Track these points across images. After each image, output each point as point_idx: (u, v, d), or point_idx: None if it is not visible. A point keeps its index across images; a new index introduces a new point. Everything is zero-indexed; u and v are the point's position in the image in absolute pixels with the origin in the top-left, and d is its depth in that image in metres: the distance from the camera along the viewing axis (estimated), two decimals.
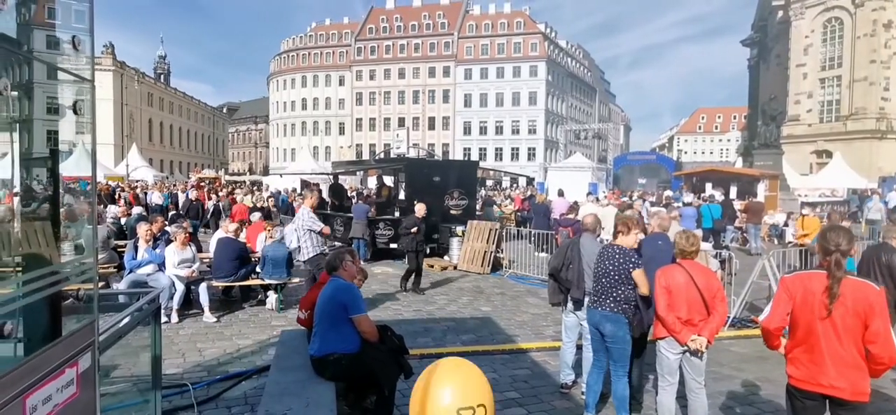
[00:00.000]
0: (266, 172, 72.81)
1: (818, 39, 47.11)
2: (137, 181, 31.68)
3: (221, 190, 25.25)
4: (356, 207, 13.43)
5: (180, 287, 7.44)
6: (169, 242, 7.97)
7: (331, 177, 18.77)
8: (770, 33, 56.76)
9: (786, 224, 18.01)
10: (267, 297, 8.29)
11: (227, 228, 8.70)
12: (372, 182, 23.63)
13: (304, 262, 8.15)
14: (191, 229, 8.83)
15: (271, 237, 8.46)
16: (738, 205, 18.14)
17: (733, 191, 21.70)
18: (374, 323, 4.35)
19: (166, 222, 9.93)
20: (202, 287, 7.59)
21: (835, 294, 2.90)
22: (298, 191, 24.48)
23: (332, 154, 73.29)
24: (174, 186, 28.53)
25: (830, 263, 2.96)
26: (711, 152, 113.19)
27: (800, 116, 47.57)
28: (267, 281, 8.11)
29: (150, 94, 67.69)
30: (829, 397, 2.98)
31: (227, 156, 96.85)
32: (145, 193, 22.62)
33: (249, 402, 4.86)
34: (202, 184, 28.08)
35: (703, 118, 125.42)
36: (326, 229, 8.25)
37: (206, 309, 7.49)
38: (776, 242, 17.16)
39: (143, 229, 7.73)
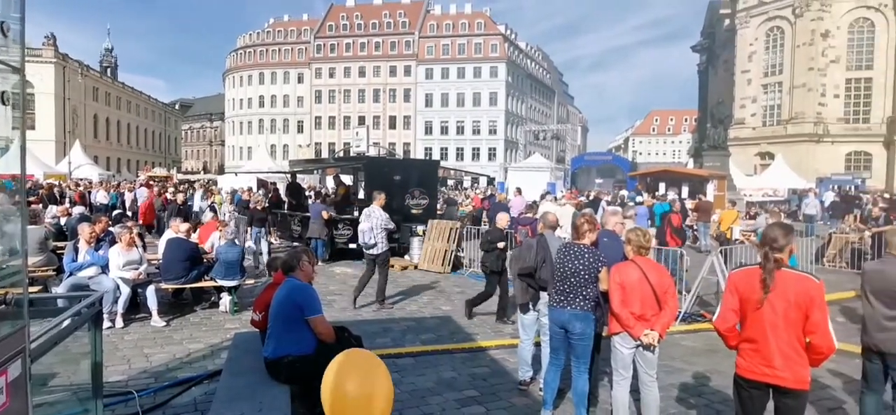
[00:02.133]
0: (221, 170, 70.65)
1: (761, 47, 49.50)
2: (81, 180, 30.13)
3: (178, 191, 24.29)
4: (313, 206, 13.19)
5: (126, 290, 7.10)
6: (113, 243, 7.59)
7: (288, 176, 18.36)
8: (718, 40, 59.26)
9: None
10: (220, 299, 8.03)
11: (177, 228, 8.36)
12: (331, 181, 23.29)
13: (376, 256, 8.24)
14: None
15: (224, 238, 8.19)
16: (689, 204, 18.81)
17: (685, 191, 22.51)
18: (332, 324, 4.26)
19: (110, 222, 9.46)
20: (150, 290, 7.27)
21: (767, 285, 3.05)
22: (255, 190, 23.86)
23: (290, 152, 71.84)
24: (119, 185, 27.27)
25: (763, 256, 3.12)
26: (664, 153, 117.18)
27: (745, 119, 49.85)
28: (220, 283, 7.84)
29: (96, 89, 64.54)
30: (774, 386, 3.11)
31: (179, 154, 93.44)
32: (89, 192, 21.52)
33: (199, 408, 4.68)
34: (152, 183, 26.97)
35: (656, 120, 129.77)
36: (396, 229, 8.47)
37: (154, 313, 7.18)
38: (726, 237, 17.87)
39: (85, 230, 7.33)
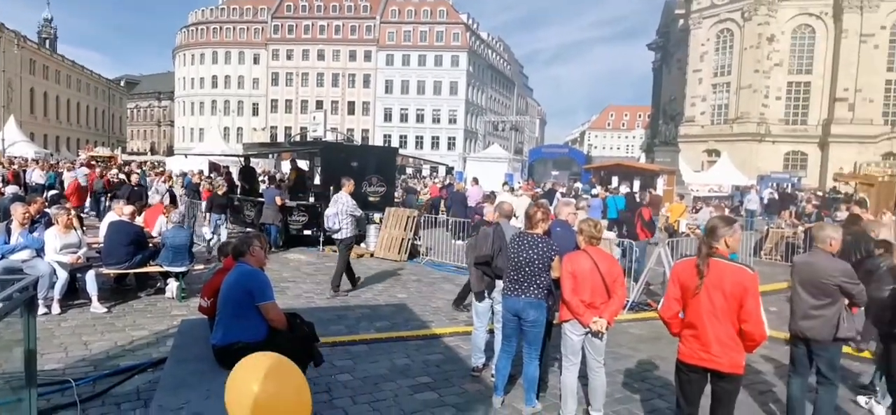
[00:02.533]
0: (170, 152, 67.82)
1: (712, 48, 51.48)
2: (16, 158, 28.28)
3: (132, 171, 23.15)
4: (267, 192, 12.87)
5: (63, 275, 6.74)
6: (50, 225, 7.19)
7: (242, 159, 17.82)
8: (672, 39, 61.21)
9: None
10: (166, 285, 7.74)
11: (120, 211, 7.99)
12: (286, 166, 22.76)
13: (340, 241, 8.44)
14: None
15: (171, 221, 7.89)
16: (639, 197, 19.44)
17: (636, 184, 23.25)
18: (284, 311, 4.19)
19: (47, 203, 8.94)
20: (89, 275, 6.93)
21: (701, 272, 3.22)
22: (206, 173, 23.07)
23: (245, 136, 69.68)
24: (57, 164, 25.78)
25: (700, 245, 3.30)
26: (619, 148, 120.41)
27: (695, 117, 51.84)
28: (166, 268, 7.56)
29: (33, 61, 60.53)
30: (711, 370, 3.29)
31: (124, 133, 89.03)
32: (24, 171, 20.23)
33: (143, 397, 4.51)
34: (94, 163, 25.61)
35: (612, 115, 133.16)
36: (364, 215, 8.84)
37: (94, 298, 6.86)
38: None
39: (18, 211, 6.89)
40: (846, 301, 3.99)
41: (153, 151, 77.51)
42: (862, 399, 4.98)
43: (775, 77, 48.45)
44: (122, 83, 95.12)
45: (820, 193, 26.91)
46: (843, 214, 10.62)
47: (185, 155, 32.93)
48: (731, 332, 3.20)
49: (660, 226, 16.10)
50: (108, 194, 15.97)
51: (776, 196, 25.17)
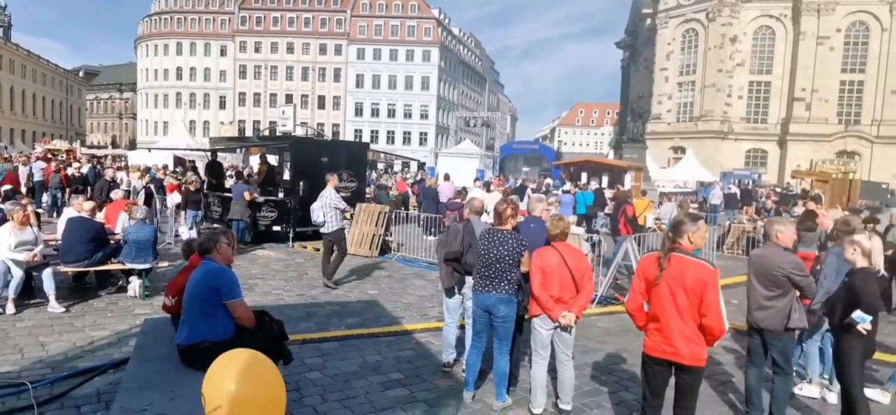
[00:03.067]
0: (133, 146, 65.70)
1: (678, 47, 52.75)
2: None
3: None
4: (235, 187, 12.61)
5: (18, 273, 6.47)
6: (4, 221, 6.89)
7: (208, 154, 17.38)
8: (640, 38, 62.42)
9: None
10: (129, 283, 7.51)
11: (79, 207, 7.70)
12: (254, 161, 22.31)
13: (326, 234, 8.63)
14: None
15: (133, 217, 7.65)
16: (608, 194, 19.81)
17: (605, 180, 23.68)
18: (252, 309, 4.12)
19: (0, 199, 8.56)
20: (46, 273, 6.67)
21: (661, 265, 3.32)
22: (171, 168, 22.43)
23: (211, 129, 68.09)
24: (11, 158, 24.65)
25: (664, 240, 3.39)
26: (588, 144, 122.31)
27: (661, 115, 53.05)
28: (129, 266, 7.33)
29: None
30: (674, 363, 3.39)
31: (84, 126, 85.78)
32: None
33: (104, 399, 4.38)
34: (51, 156, 24.61)
35: (581, 112, 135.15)
36: (349, 209, 9.17)
37: (52, 298, 6.60)
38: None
39: None
40: (798, 293, 4.16)
41: (115, 145, 74.82)
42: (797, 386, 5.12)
43: (738, 77, 50.00)
44: (81, 74, 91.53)
45: (779, 189, 27.96)
46: (799, 210, 11.03)
47: (149, 149, 31.90)
48: (693, 326, 3.30)
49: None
50: (67, 190, 15.40)
51: (737, 192, 26.01)
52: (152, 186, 13.87)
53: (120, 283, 7.69)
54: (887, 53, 46.15)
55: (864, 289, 3.87)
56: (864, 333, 3.94)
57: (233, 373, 2.07)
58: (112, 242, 7.77)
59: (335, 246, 8.72)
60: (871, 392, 4.73)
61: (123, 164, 27.17)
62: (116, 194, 9.93)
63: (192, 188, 12.07)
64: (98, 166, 21.19)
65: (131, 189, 11.88)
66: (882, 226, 9.45)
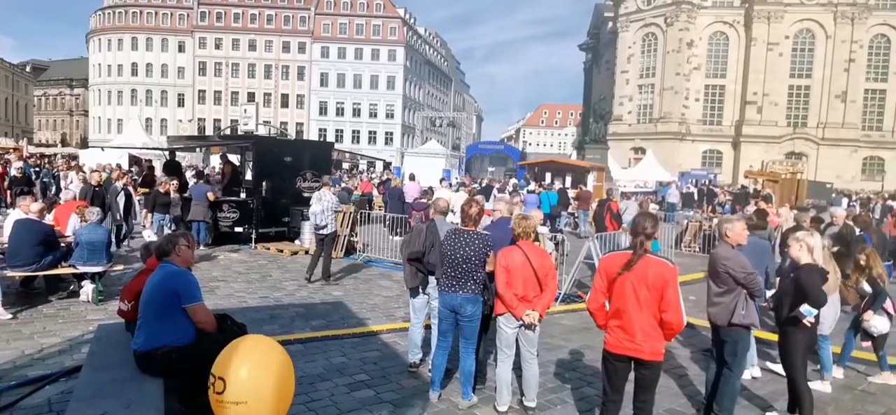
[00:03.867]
0: (84, 144, 62.92)
1: (638, 50, 54.20)
2: None
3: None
4: (195, 188, 12.25)
5: None
6: None
7: (166, 153, 16.83)
8: (602, 41, 63.83)
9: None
10: (81, 288, 7.21)
11: (27, 208, 7.34)
12: (215, 160, 21.75)
13: (326, 235, 9.05)
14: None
15: (85, 219, 7.34)
16: (571, 193, 20.19)
17: (568, 180, 24.13)
18: (213, 312, 4.03)
19: None
20: None
21: (630, 265, 3.41)
22: (125, 167, 21.62)
23: (169, 128, 65.86)
24: None
25: (635, 243, 3.47)
26: (552, 145, 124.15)
27: (622, 116, 54.41)
28: (81, 269, 7.04)
29: None
30: (634, 358, 3.49)
31: (31, 123, 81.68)
32: None
33: (55, 409, 4.19)
34: None
35: (545, 113, 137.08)
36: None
37: None
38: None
39: None
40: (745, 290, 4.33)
41: (64, 143, 71.47)
42: None
43: (694, 80, 51.78)
44: (27, 68, 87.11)
45: (731, 190, 29.08)
46: (751, 209, 11.50)
47: (102, 147, 30.70)
48: (653, 322, 3.41)
49: (589, 220, 16.79)
50: (11, 190, 14.62)
51: (694, 192, 26.94)
52: (131, 188, 13.14)
53: (71, 287, 7.37)
54: (831, 60, 48.69)
55: (810, 284, 4.08)
56: (809, 326, 4.15)
57: (258, 371, 2.52)
58: (62, 244, 7.44)
59: (325, 246, 9.18)
60: (813, 384, 4.96)
61: (75, 163, 26.02)
62: (66, 195, 9.48)
63: (161, 190, 11.51)
64: (38, 166, 20.20)
65: (111, 190, 11.09)
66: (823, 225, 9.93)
